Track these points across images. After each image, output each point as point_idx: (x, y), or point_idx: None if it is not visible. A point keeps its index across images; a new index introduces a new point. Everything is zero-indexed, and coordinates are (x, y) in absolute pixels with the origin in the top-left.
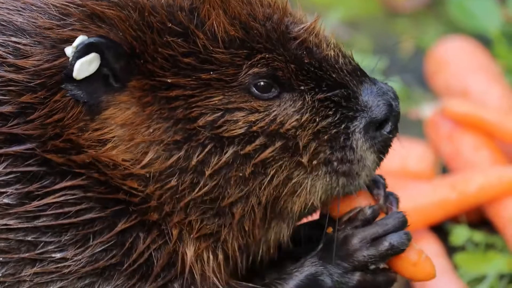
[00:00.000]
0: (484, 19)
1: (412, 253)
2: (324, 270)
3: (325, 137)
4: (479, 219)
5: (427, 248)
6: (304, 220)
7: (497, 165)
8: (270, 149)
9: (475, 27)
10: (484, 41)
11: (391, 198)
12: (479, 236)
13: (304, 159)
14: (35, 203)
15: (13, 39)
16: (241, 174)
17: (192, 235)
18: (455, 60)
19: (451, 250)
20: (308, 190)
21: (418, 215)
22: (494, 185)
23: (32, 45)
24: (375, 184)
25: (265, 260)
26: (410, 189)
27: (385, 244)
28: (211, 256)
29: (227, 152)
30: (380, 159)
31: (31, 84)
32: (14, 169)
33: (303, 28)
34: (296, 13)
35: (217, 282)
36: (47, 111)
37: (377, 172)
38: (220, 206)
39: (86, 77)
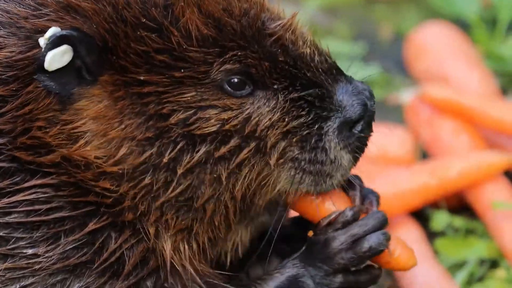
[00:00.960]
0: (463, 4)
1: (390, 246)
2: (306, 272)
3: (295, 138)
4: (459, 204)
5: (407, 234)
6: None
7: (477, 151)
8: (245, 151)
9: (454, 13)
10: (463, 26)
11: (370, 197)
12: (459, 221)
13: (272, 159)
14: (6, 200)
15: None
16: (215, 175)
17: (169, 233)
18: (434, 46)
19: (431, 236)
20: (272, 181)
21: (398, 200)
22: (474, 170)
23: (5, 36)
24: (350, 186)
25: (232, 257)
26: (390, 175)
27: (364, 246)
28: (186, 247)
29: (199, 150)
30: (356, 159)
31: (3, 76)
32: None
33: (279, 24)
34: (274, 9)
35: (193, 273)
36: (18, 104)
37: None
38: (194, 205)
39: (59, 69)
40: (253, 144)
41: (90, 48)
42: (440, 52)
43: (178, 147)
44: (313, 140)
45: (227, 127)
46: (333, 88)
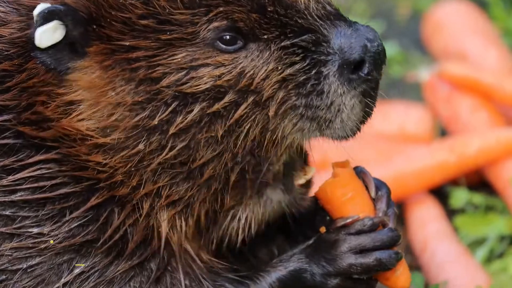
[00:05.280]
0: None
1: (398, 267)
2: (309, 268)
3: (291, 84)
4: (479, 181)
5: (426, 212)
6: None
7: (496, 127)
8: (243, 107)
9: None
10: (481, 3)
11: (390, 211)
12: (478, 198)
13: (271, 110)
14: (11, 177)
15: None
16: (212, 135)
17: (161, 203)
18: (452, 23)
19: (451, 213)
20: (279, 135)
21: (417, 178)
22: (493, 147)
23: (10, 12)
24: (380, 198)
25: (245, 236)
26: (409, 153)
27: (371, 258)
28: (183, 223)
29: (192, 110)
30: (367, 104)
31: (8, 52)
32: None
33: None
34: None
35: (195, 257)
36: (24, 77)
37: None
38: (190, 168)
39: (54, 44)
40: (251, 99)
41: (76, 21)
42: (458, 29)
43: (170, 108)
44: (309, 84)
45: (219, 82)
46: (330, 33)
